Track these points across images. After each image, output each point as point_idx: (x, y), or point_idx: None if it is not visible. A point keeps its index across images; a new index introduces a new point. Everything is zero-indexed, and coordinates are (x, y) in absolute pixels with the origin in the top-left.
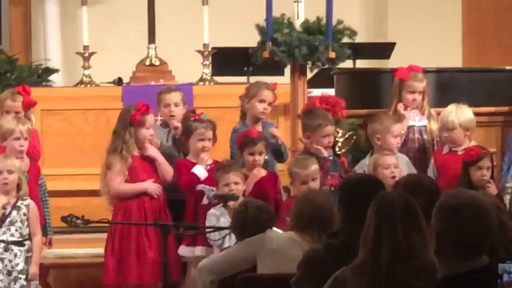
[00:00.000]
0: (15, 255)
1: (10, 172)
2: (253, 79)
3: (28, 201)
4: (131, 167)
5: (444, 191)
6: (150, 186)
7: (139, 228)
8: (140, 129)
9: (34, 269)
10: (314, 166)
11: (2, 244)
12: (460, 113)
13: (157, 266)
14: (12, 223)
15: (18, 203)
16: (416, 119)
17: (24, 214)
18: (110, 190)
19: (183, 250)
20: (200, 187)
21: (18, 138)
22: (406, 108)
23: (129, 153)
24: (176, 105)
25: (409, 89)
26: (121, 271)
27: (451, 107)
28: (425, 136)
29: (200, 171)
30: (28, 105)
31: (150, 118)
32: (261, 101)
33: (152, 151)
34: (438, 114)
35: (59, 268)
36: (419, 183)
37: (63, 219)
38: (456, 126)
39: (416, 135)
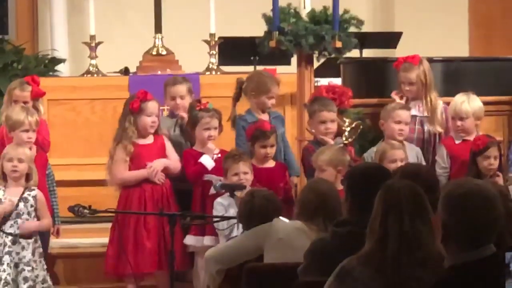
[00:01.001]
0: (23, 248)
1: (20, 160)
2: (260, 68)
3: (36, 191)
4: (136, 156)
5: (451, 180)
6: (150, 170)
7: (138, 217)
8: (140, 116)
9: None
10: (322, 157)
11: (10, 237)
12: (472, 102)
13: (155, 256)
14: (19, 215)
15: (25, 194)
16: (421, 109)
17: (32, 206)
18: (113, 178)
19: (191, 240)
20: (207, 177)
21: (26, 130)
22: (401, 97)
23: (128, 141)
24: (182, 97)
25: (401, 80)
26: (120, 260)
27: (463, 97)
28: (425, 127)
29: (208, 161)
30: (37, 95)
31: (151, 105)
32: (270, 97)
33: (157, 164)
34: (447, 103)
35: (66, 257)
36: (417, 172)
37: (70, 209)
38: (470, 115)
39: (417, 126)
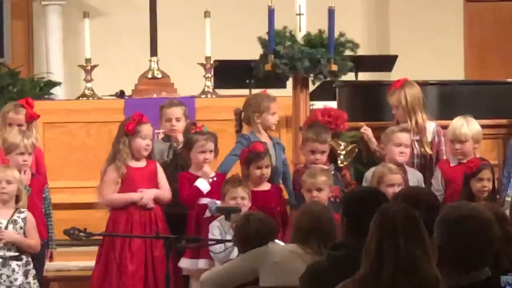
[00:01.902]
0: (13, 271)
1: (9, 182)
2: (255, 92)
3: (25, 214)
4: (127, 178)
5: (447, 203)
6: (139, 197)
7: (123, 240)
8: (135, 139)
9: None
10: (322, 178)
11: (0, 260)
12: (471, 126)
13: (140, 279)
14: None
15: (15, 216)
16: (414, 132)
17: (21, 228)
18: (102, 199)
19: (186, 263)
20: (203, 200)
21: (22, 153)
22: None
23: (122, 163)
24: (177, 120)
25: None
26: (105, 282)
27: (461, 120)
28: (415, 151)
29: (203, 185)
30: (31, 118)
31: (145, 128)
32: (273, 113)
33: (147, 195)
34: (444, 127)
35: (61, 280)
36: (418, 195)
37: (66, 232)
38: (469, 138)
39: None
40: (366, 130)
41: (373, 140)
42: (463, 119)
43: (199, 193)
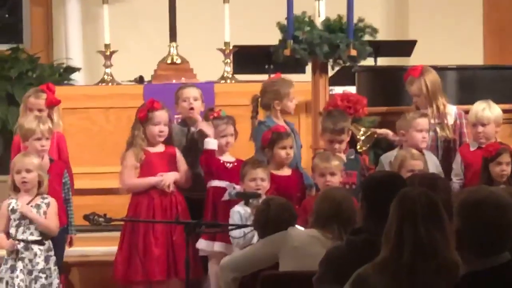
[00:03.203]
0: (35, 254)
1: (28, 171)
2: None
3: (49, 199)
4: (145, 163)
5: (465, 187)
6: (159, 180)
7: (147, 224)
8: (147, 125)
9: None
10: (336, 162)
11: (22, 243)
12: (493, 109)
13: (164, 263)
14: (32, 222)
15: (38, 201)
16: (435, 116)
17: (44, 213)
18: (122, 184)
19: (202, 244)
20: (222, 184)
21: (39, 139)
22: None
23: (138, 148)
24: (195, 99)
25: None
26: (129, 267)
27: (483, 104)
28: (438, 135)
29: (212, 143)
30: (51, 103)
31: (158, 114)
32: (292, 99)
33: (168, 177)
34: (466, 112)
35: (82, 266)
36: (434, 180)
37: (86, 217)
38: (491, 121)
39: (430, 133)
40: (383, 133)
41: (391, 135)
42: (485, 103)
43: (212, 152)
